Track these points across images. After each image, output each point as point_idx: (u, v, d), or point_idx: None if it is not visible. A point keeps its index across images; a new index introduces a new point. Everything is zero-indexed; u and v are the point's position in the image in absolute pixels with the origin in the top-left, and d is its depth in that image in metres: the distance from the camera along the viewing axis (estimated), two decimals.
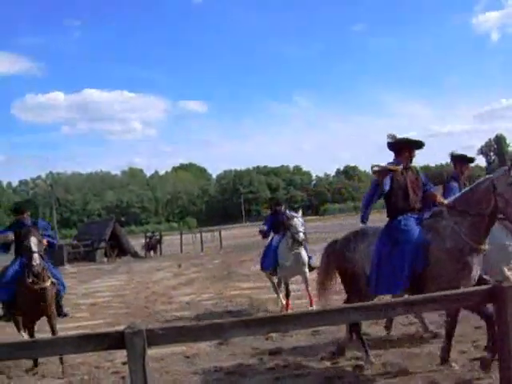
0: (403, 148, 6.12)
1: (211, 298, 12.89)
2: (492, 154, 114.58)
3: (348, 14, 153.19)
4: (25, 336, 8.14)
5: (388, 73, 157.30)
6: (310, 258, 10.52)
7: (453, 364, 5.68)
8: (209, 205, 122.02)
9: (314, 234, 23.82)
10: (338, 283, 6.92)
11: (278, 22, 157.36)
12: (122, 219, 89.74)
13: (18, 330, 8.14)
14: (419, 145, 6.23)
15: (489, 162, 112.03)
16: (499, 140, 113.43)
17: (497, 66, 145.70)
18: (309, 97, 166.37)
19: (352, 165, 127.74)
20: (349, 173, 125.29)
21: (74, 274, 23.24)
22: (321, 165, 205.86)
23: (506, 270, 7.06)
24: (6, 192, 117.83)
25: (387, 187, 5.91)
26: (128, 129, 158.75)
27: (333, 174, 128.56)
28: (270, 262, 10.64)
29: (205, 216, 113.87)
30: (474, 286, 5.43)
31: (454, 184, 7.23)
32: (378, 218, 7.91)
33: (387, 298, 5.87)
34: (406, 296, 5.85)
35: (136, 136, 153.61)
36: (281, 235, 10.66)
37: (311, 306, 9.54)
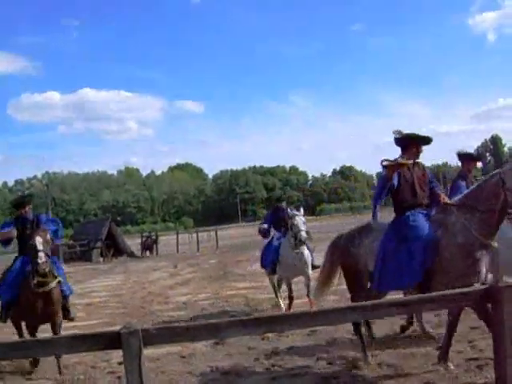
0: (410, 144, 6.02)
1: (207, 298, 12.88)
2: (488, 154, 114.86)
3: (347, 14, 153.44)
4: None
5: (386, 73, 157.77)
6: (312, 257, 10.21)
7: (449, 364, 5.68)
8: (205, 205, 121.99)
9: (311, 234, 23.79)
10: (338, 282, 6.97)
11: (276, 22, 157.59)
12: (118, 219, 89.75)
13: (20, 335, 7.54)
14: (427, 140, 6.14)
15: (484, 163, 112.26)
16: (495, 141, 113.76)
17: (494, 66, 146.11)
18: (307, 96, 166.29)
19: (348, 165, 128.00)
20: (345, 173, 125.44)
21: (70, 274, 23.16)
22: (317, 165, 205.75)
23: None
24: (2, 191, 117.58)
25: (395, 182, 5.85)
26: (124, 128, 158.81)
27: (329, 174, 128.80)
28: (270, 260, 10.38)
29: (201, 216, 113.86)
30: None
31: (462, 182, 7.21)
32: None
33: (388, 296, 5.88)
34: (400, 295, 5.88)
35: (132, 136, 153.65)
36: (282, 233, 10.42)
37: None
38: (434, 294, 4.05)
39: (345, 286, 8.91)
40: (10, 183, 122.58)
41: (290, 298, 9.96)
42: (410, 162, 5.94)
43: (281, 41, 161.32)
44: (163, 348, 7.16)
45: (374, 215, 6.18)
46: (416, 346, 6.52)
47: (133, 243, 38.30)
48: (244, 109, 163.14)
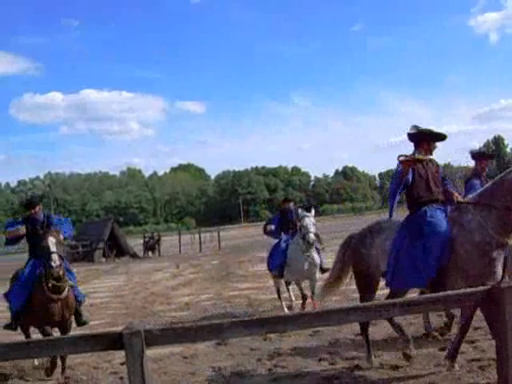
0: (423, 139, 5.93)
1: (210, 299, 12.88)
2: None
3: (347, 14, 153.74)
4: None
5: (387, 73, 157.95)
6: (322, 260, 9.93)
7: (455, 364, 5.65)
8: (207, 205, 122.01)
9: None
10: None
11: (276, 22, 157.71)
12: (121, 220, 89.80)
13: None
14: (440, 137, 6.04)
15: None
16: (497, 141, 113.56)
17: (496, 66, 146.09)
18: (307, 96, 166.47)
19: (350, 165, 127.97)
20: (347, 173, 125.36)
21: None
22: (319, 165, 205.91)
23: None
24: (5, 192, 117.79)
25: (410, 178, 5.75)
26: (126, 129, 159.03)
27: (331, 174, 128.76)
28: (277, 263, 10.04)
29: (203, 216, 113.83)
30: None
31: (476, 181, 7.15)
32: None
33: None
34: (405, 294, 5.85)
35: (134, 136, 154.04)
36: (290, 235, 10.16)
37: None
38: (437, 294, 4.04)
39: (347, 287, 8.92)
40: (13, 184, 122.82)
41: (303, 298, 9.70)
42: (427, 157, 5.86)
43: (281, 41, 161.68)
44: (166, 349, 7.17)
45: (391, 214, 6.05)
46: (418, 347, 6.50)
47: (135, 244, 38.33)
48: (245, 109, 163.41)
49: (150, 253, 35.52)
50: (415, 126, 5.98)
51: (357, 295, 9.06)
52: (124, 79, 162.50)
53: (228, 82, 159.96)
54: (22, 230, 7.29)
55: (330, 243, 15.41)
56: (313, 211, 9.85)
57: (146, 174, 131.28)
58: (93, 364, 7.33)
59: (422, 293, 5.95)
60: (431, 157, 6.03)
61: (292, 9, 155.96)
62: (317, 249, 9.83)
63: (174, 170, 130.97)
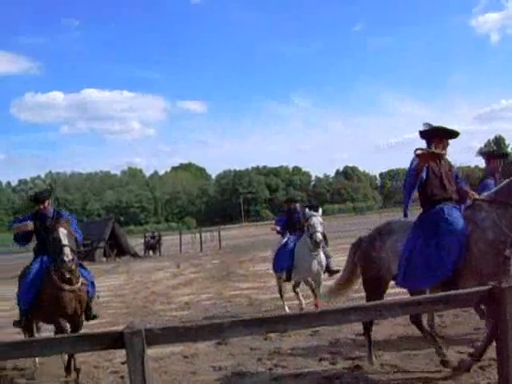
0: (436, 137, 5.80)
1: (210, 298, 12.89)
2: None
3: (347, 14, 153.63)
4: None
5: (387, 73, 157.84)
6: (329, 260, 9.79)
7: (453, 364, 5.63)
8: (208, 205, 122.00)
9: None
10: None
11: (276, 22, 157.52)
12: (122, 219, 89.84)
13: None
14: (453, 134, 5.91)
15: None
16: (498, 141, 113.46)
17: (497, 66, 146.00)
18: (307, 96, 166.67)
19: (351, 165, 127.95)
20: (348, 173, 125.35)
21: None
22: (320, 165, 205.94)
23: None
24: (6, 191, 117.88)
25: (424, 175, 5.64)
26: (127, 128, 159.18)
27: (332, 174, 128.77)
28: (285, 265, 9.80)
29: (204, 216, 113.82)
30: None
31: (490, 181, 7.07)
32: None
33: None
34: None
35: (135, 136, 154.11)
36: (297, 235, 9.98)
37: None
38: (438, 294, 4.04)
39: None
40: (14, 183, 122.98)
41: (315, 294, 9.51)
42: (444, 152, 5.74)
43: (282, 41, 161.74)
44: (166, 348, 7.18)
45: (406, 213, 5.93)
46: (419, 347, 6.51)
47: (136, 243, 38.33)
48: (245, 109, 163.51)
49: (150, 252, 35.55)
50: (427, 124, 5.86)
51: (357, 295, 9.10)
52: (124, 79, 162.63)
53: (229, 82, 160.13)
54: (31, 225, 6.96)
55: (331, 243, 15.39)
56: (320, 210, 9.72)
57: (147, 173, 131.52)
58: (93, 363, 7.33)
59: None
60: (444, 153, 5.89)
61: (293, 9, 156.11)
62: (324, 251, 9.68)
63: (174, 169, 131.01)
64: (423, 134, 5.88)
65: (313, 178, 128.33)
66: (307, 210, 9.78)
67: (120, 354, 6.64)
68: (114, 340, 3.30)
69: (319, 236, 9.26)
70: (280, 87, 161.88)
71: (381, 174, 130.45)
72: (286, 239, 10.24)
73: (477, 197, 5.71)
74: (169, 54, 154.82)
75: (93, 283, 7.06)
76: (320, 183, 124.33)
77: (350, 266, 6.74)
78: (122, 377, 6.39)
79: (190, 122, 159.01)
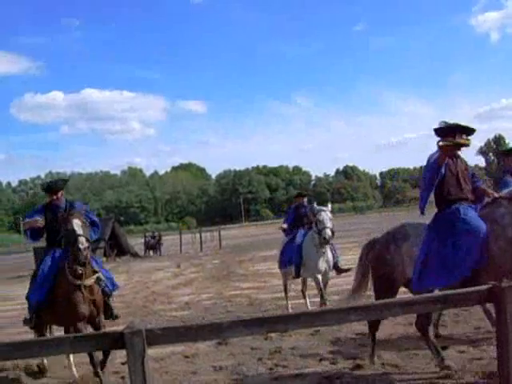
0: (450, 134, 5.58)
1: (210, 298, 12.89)
2: (491, 154, 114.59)
3: (349, 14, 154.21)
4: (72, 362, 6.92)
5: (389, 72, 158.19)
6: (337, 259, 9.49)
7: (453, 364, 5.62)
8: (208, 205, 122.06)
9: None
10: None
11: (278, 22, 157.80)
12: (122, 219, 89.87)
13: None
14: (469, 131, 5.69)
15: (488, 163, 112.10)
16: (498, 140, 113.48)
17: (497, 65, 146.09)
18: (309, 96, 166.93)
19: (351, 164, 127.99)
20: (348, 172, 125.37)
21: None
22: (320, 164, 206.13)
23: None
24: (6, 192, 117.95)
25: (443, 171, 5.47)
26: (127, 128, 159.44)
27: (332, 173, 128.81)
28: (293, 262, 9.41)
29: (204, 216, 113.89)
30: None
31: (510, 179, 7.00)
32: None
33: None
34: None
35: (135, 136, 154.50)
36: (305, 230, 9.62)
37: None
38: (437, 294, 4.04)
39: (345, 287, 8.93)
40: (14, 184, 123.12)
41: (321, 297, 9.12)
42: (469, 141, 5.56)
43: (283, 41, 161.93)
44: (167, 348, 7.18)
45: (423, 210, 5.72)
46: (419, 347, 6.51)
47: (136, 243, 38.35)
48: (246, 109, 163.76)
49: (150, 252, 35.56)
50: (443, 122, 5.71)
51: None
52: (125, 79, 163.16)
53: (230, 82, 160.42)
54: (41, 221, 6.54)
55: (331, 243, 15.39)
56: (329, 205, 9.39)
57: (147, 173, 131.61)
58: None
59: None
60: (460, 153, 5.79)
61: (294, 9, 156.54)
62: (333, 248, 9.41)
63: (174, 169, 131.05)
64: (438, 132, 5.69)
65: (313, 177, 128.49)
66: (315, 204, 9.44)
67: (120, 355, 6.63)
68: (114, 340, 3.30)
69: (328, 232, 8.85)
70: (282, 87, 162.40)
71: (381, 174, 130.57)
72: (293, 235, 9.89)
73: (496, 195, 5.64)
74: (169, 54, 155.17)
75: (112, 280, 6.72)
76: (320, 183, 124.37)
77: (362, 267, 6.62)
78: (123, 377, 6.39)
79: (191, 122, 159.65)
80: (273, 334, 7.57)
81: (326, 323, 3.90)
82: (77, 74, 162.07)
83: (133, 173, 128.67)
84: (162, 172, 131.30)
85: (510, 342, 3.54)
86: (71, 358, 6.95)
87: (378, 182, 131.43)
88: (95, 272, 6.30)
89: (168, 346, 6.72)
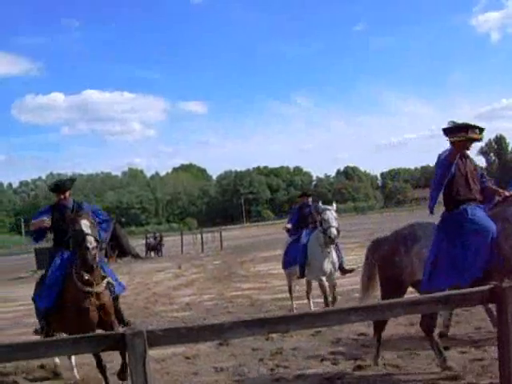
0: (463, 130, 5.49)
1: (212, 299, 12.89)
2: (492, 154, 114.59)
3: (349, 14, 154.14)
4: (74, 364, 6.82)
5: (389, 72, 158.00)
6: (341, 259, 9.32)
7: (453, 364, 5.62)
8: (209, 205, 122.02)
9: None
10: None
11: (278, 22, 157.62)
12: (123, 220, 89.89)
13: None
14: (479, 130, 5.59)
15: (489, 163, 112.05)
16: (499, 140, 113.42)
17: (497, 65, 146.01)
18: (309, 96, 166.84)
19: (352, 165, 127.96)
20: (349, 173, 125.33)
21: None
22: (321, 165, 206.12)
23: None
24: (7, 193, 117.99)
25: (453, 169, 5.39)
26: (128, 129, 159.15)
27: (333, 174, 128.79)
28: (297, 259, 9.24)
29: (205, 217, 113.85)
30: None
31: None
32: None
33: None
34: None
35: (136, 137, 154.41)
36: (310, 230, 9.45)
37: None
38: (439, 294, 4.03)
39: (348, 287, 8.92)
40: (15, 185, 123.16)
41: (325, 298, 9.00)
42: (482, 136, 5.49)
43: (283, 41, 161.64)
44: (168, 349, 7.18)
45: (432, 209, 5.67)
46: (421, 347, 6.51)
47: (137, 244, 38.35)
48: (247, 109, 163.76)
49: (152, 253, 35.54)
50: (452, 121, 5.65)
51: (358, 295, 9.09)
52: (125, 80, 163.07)
53: (230, 82, 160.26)
54: (47, 221, 6.35)
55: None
56: (334, 205, 9.22)
57: (148, 174, 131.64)
58: (95, 364, 7.32)
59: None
60: (468, 153, 5.73)
61: (294, 9, 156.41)
62: (338, 247, 9.24)
63: (175, 170, 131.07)
64: (448, 131, 5.62)
65: (314, 178, 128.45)
66: (320, 203, 9.32)
67: None
68: (115, 341, 3.30)
69: (334, 231, 8.72)
70: (282, 87, 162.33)
71: (382, 174, 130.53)
72: (298, 235, 9.71)
73: (507, 193, 5.60)
74: (169, 55, 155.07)
75: (118, 282, 6.52)
76: (321, 183, 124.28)
77: (368, 267, 6.51)
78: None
79: (191, 122, 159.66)
80: (274, 335, 7.57)
81: (327, 324, 3.91)
82: (77, 75, 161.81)
83: (133, 174, 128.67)
84: (162, 173, 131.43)
85: (511, 341, 3.54)
86: (73, 360, 6.95)
87: (379, 182, 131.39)
88: (104, 277, 6.04)
89: (169, 347, 6.71)
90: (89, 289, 5.82)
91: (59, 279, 6.05)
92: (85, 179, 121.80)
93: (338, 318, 3.68)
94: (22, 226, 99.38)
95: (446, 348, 6.21)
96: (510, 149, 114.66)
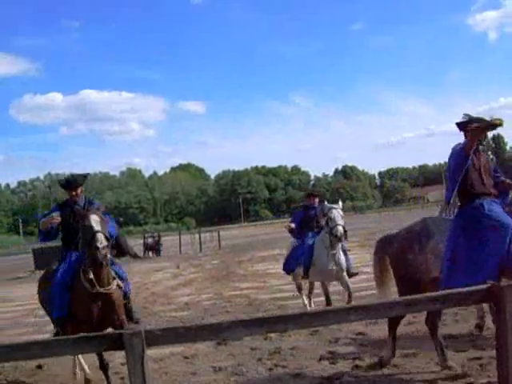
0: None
1: (210, 299, 12.88)
2: (490, 153, 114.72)
3: (347, 13, 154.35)
4: (86, 369, 6.67)
5: (387, 71, 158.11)
6: (348, 263, 9.03)
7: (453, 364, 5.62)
8: (207, 205, 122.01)
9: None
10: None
11: (276, 22, 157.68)
12: (121, 220, 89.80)
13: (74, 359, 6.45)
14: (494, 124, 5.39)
15: None
16: (497, 139, 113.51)
17: (495, 64, 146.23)
18: (308, 96, 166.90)
19: (350, 164, 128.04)
20: (347, 172, 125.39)
21: None
22: (319, 164, 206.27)
23: None
24: (5, 193, 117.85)
25: (469, 161, 5.26)
26: (126, 129, 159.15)
27: (331, 173, 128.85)
28: (302, 261, 9.08)
29: (203, 216, 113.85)
30: None
31: None
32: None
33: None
34: None
35: (134, 137, 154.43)
36: (316, 232, 9.24)
37: None
38: (437, 293, 4.03)
39: (355, 285, 8.91)
40: (13, 185, 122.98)
41: (327, 302, 8.78)
42: (502, 121, 5.25)
43: (282, 40, 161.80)
44: (166, 349, 7.17)
45: (449, 199, 5.54)
46: (419, 346, 6.51)
47: (135, 244, 38.32)
48: (245, 109, 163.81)
49: (150, 253, 35.52)
50: (467, 115, 5.51)
51: (358, 294, 9.11)
52: (124, 80, 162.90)
53: (229, 82, 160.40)
54: (57, 218, 6.06)
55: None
56: (340, 203, 9.01)
57: (146, 174, 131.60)
58: (94, 364, 7.32)
59: None
60: (481, 148, 5.63)
61: (293, 9, 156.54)
62: (344, 248, 9.00)
63: (173, 169, 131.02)
64: (461, 126, 5.50)
65: (312, 177, 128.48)
66: (326, 203, 9.12)
67: (120, 355, 6.63)
68: (113, 341, 3.30)
69: (340, 230, 8.50)
70: (281, 87, 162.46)
71: (380, 173, 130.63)
72: (301, 239, 9.49)
73: None
74: (168, 55, 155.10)
75: (127, 281, 6.28)
76: (319, 183, 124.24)
77: (378, 264, 6.33)
78: (123, 378, 6.38)
79: (190, 122, 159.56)
80: (272, 334, 7.57)
81: (325, 323, 3.91)
82: (76, 75, 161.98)
83: (132, 173, 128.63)
84: (161, 173, 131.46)
85: (510, 341, 3.54)
86: (82, 360, 6.75)
87: (377, 181, 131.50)
88: (114, 277, 5.83)
89: (167, 346, 6.71)
90: (98, 289, 5.59)
91: (69, 285, 5.80)
92: None
93: (336, 318, 3.68)
94: (20, 227, 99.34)
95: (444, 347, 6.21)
96: (507, 148, 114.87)
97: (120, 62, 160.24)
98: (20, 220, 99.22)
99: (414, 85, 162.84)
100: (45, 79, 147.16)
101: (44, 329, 7.81)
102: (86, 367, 6.72)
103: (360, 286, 10.40)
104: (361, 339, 7.31)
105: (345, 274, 8.78)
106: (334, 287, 10.75)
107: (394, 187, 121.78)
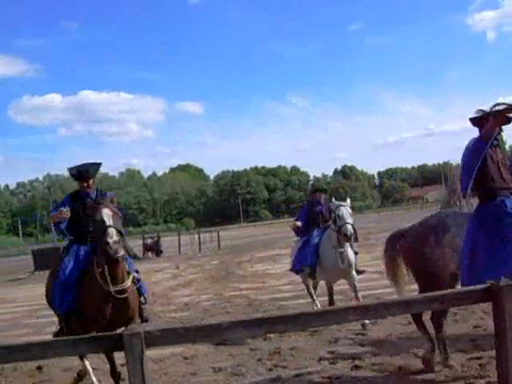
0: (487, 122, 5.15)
1: (210, 299, 12.88)
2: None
3: (345, 14, 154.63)
4: (88, 368, 6.35)
5: (386, 72, 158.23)
6: (356, 261, 8.68)
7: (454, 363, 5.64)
8: (206, 206, 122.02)
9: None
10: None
11: (275, 22, 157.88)
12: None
13: (82, 357, 6.18)
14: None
15: None
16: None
17: (493, 64, 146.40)
18: (306, 96, 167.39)
19: (349, 164, 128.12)
20: (346, 172, 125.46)
21: None
22: (318, 165, 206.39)
23: None
24: (4, 194, 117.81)
25: (485, 157, 5.09)
26: (125, 130, 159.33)
27: (330, 173, 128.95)
28: (308, 260, 8.79)
29: (202, 217, 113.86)
30: None
31: None
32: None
33: None
34: None
35: (133, 137, 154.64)
36: (321, 230, 8.95)
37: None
38: (435, 293, 4.03)
39: (347, 286, 8.93)
40: (12, 186, 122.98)
41: (330, 303, 8.46)
42: None
43: (281, 41, 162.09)
44: (166, 349, 7.17)
45: (466, 188, 5.23)
46: (419, 346, 6.51)
47: (135, 245, 38.31)
48: (244, 109, 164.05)
49: (149, 254, 35.50)
50: (481, 110, 5.36)
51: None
52: (123, 80, 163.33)
53: (227, 83, 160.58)
54: (66, 212, 5.76)
55: None
56: (348, 200, 8.61)
57: (145, 174, 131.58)
58: (93, 365, 7.32)
59: None
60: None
61: (292, 9, 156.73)
62: (352, 246, 8.61)
63: (172, 170, 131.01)
64: (474, 122, 5.38)
65: (311, 177, 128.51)
66: (334, 200, 8.72)
67: (119, 356, 6.62)
68: (113, 342, 3.30)
69: (350, 228, 8.07)
70: (279, 87, 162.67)
71: (379, 173, 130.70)
72: (307, 237, 9.17)
73: None
74: (167, 55, 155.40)
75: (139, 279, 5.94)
76: (318, 183, 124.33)
77: (389, 261, 6.18)
78: (122, 379, 6.38)
79: (189, 123, 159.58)
80: (272, 335, 7.58)
81: (324, 323, 3.91)
82: (74, 76, 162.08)
83: (131, 174, 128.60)
84: (160, 173, 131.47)
85: (509, 340, 3.55)
86: (87, 364, 6.54)
87: (376, 181, 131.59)
88: (129, 273, 5.52)
89: (167, 347, 6.71)
90: (112, 287, 5.28)
91: (77, 279, 5.55)
92: None
93: (336, 318, 3.68)
94: (20, 228, 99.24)
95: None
96: (506, 147, 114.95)
97: (118, 62, 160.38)
98: (19, 221, 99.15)
99: (412, 85, 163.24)
100: (44, 80, 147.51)
101: (44, 330, 7.81)
102: (94, 378, 6.42)
103: (360, 285, 10.38)
104: (361, 339, 7.31)
105: (354, 272, 8.50)
106: (338, 287, 10.77)
107: (393, 187, 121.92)
